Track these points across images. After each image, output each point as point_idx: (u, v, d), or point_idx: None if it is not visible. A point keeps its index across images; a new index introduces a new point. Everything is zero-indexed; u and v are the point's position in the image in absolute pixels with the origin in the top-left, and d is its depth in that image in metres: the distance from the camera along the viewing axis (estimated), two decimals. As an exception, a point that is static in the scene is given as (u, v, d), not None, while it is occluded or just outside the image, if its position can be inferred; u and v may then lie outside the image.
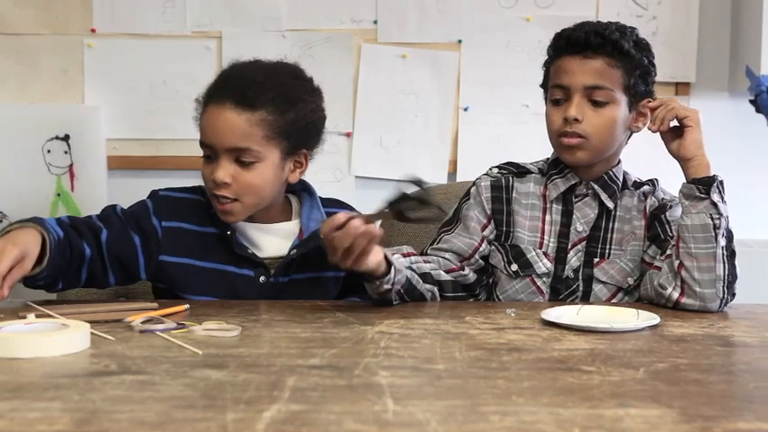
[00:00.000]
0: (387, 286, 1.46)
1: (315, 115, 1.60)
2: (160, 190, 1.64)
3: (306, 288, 1.61)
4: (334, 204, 1.72)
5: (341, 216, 1.37)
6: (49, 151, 2.54)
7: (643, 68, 1.60)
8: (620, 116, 1.59)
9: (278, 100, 1.54)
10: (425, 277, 1.59)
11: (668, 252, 1.54)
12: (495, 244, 1.68)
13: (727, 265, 1.50)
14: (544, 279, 1.64)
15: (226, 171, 1.51)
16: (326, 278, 1.64)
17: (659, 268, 1.55)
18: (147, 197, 1.64)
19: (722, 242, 1.50)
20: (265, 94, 1.53)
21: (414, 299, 1.55)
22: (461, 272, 1.65)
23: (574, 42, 1.59)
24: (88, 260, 1.50)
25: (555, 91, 1.61)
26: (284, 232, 1.63)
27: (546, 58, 1.68)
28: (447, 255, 1.66)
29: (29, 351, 1.08)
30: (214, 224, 1.59)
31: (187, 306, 1.42)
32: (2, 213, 2.55)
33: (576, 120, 1.57)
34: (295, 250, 1.59)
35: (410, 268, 1.55)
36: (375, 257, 1.42)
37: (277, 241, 1.61)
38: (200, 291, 1.57)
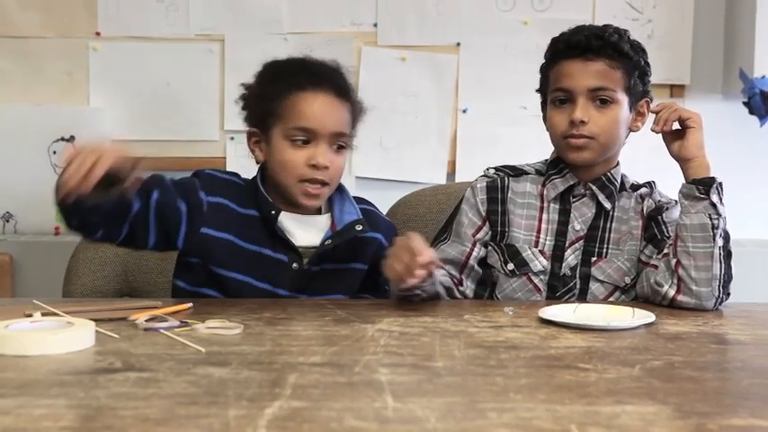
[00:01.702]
0: (423, 294, 1.48)
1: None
2: (204, 170, 1.64)
3: (334, 278, 1.63)
4: (362, 202, 1.73)
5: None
6: (54, 152, 2.54)
7: (641, 69, 1.62)
8: (622, 116, 1.60)
9: (355, 95, 1.66)
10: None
11: (665, 251, 1.54)
12: (492, 244, 1.68)
13: (723, 264, 1.49)
14: (541, 277, 1.64)
15: (327, 156, 1.56)
16: (353, 270, 1.65)
17: (656, 266, 1.55)
18: (192, 175, 1.63)
19: (720, 242, 1.50)
20: (350, 87, 1.64)
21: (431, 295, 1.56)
22: (460, 287, 1.67)
23: (574, 46, 1.59)
24: (133, 215, 1.46)
25: (557, 94, 1.61)
26: (317, 224, 1.64)
27: (542, 62, 1.68)
28: (446, 266, 1.66)
29: (35, 348, 1.08)
30: (257, 207, 1.59)
31: (190, 304, 1.42)
32: (8, 213, 2.55)
33: (583, 122, 1.57)
34: (330, 241, 1.60)
35: None
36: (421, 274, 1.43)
37: (311, 232, 1.62)
38: (235, 268, 1.57)
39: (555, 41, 1.64)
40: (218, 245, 1.57)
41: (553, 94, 1.62)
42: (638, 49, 1.62)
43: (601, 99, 1.58)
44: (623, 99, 1.59)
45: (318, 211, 1.67)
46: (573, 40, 1.60)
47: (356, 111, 1.65)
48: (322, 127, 1.55)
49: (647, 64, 1.64)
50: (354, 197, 1.71)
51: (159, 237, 1.52)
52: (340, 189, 1.69)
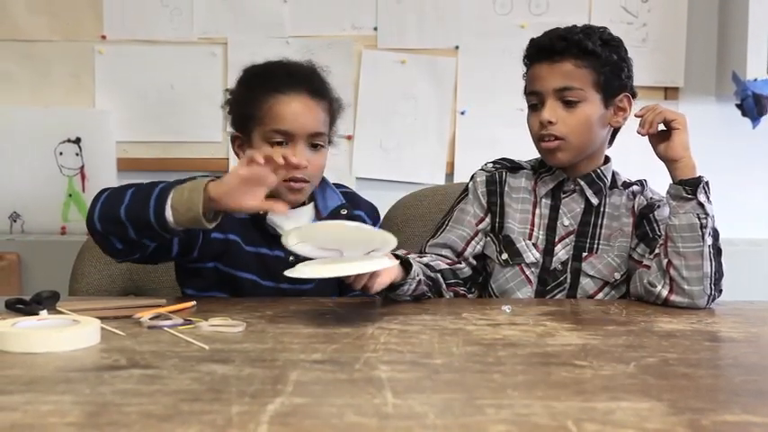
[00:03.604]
0: (413, 285, 1.48)
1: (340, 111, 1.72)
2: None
3: None
4: (341, 186, 1.74)
5: None
6: (61, 153, 2.54)
7: (612, 65, 1.59)
8: (594, 114, 1.59)
9: (332, 94, 1.66)
10: (428, 267, 1.60)
11: (657, 251, 1.54)
12: (491, 235, 1.69)
13: (713, 262, 1.49)
14: (533, 269, 1.64)
15: (304, 155, 1.57)
16: None
17: (648, 267, 1.55)
18: None
19: (709, 241, 1.49)
20: (326, 87, 1.64)
21: (435, 289, 1.58)
22: (458, 264, 1.67)
23: (541, 49, 1.60)
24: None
25: (530, 98, 1.63)
26: (304, 215, 1.64)
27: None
28: (444, 251, 1.67)
29: (41, 346, 1.08)
30: None
31: (194, 303, 1.42)
32: (16, 213, 2.55)
33: (551, 122, 1.57)
34: None
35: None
36: (392, 271, 1.42)
37: (300, 223, 1.62)
38: (245, 268, 1.59)
39: (528, 46, 1.65)
40: (227, 246, 1.58)
41: (527, 98, 1.64)
42: (612, 45, 1.61)
43: (568, 98, 1.57)
44: (593, 97, 1.58)
45: (302, 203, 1.68)
46: (540, 44, 1.61)
47: (333, 109, 1.66)
48: (298, 128, 1.57)
49: (623, 59, 1.62)
50: (334, 183, 1.73)
51: (181, 248, 1.52)
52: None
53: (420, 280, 1.50)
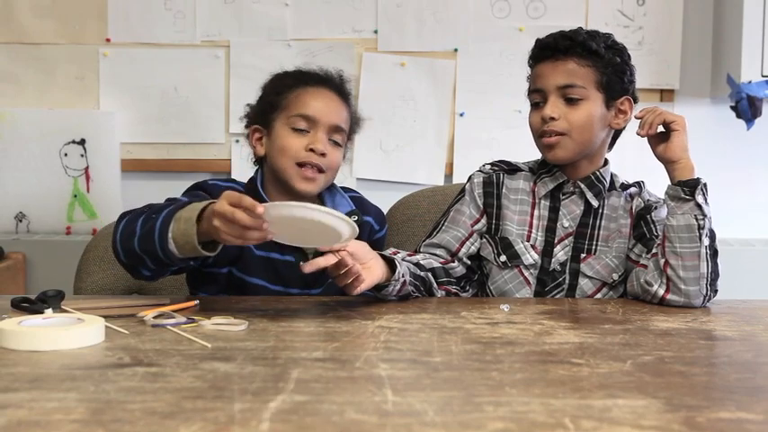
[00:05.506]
0: (397, 286, 1.47)
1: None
2: (204, 181, 1.63)
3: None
4: (349, 191, 1.75)
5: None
6: (66, 154, 2.54)
7: (616, 67, 1.60)
8: (595, 112, 1.59)
9: (353, 100, 1.70)
10: (419, 267, 1.59)
11: (654, 251, 1.54)
12: (487, 236, 1.68)
13: (710, 263, 1.49)
14: (531, 270, 1.64)
15: (325, 144, 1.59)
16: None
17: (645, 266, 1.55)
18: (194, 188, 1.60)
19: (706, 242, 1.49)
20: (351, 94, 1.70)
21: (425, 288, 1.57)
22: (451, 263, 1.66)
23: (545, 48, 1.61)
24: None
25: (533, 96, 1.63)
26: None
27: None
28: (438, 251, 1.67)
29: (47, 344, 1.08)
30: None
31: (197, 301, 1.41)
32: (21, 213, 2.55)
33: (553, 118, 1.57)
34: None
35: (403, 260, 1.56)
36: (376, 273, 1.42)
37: None
38: (255, 273, 1.58)
39: (533, 47, 1.65)
40: (242, 251, 1.56)
41: (530, 96, 1.64)
42: (615, 48, 1.61)
43: (571, 95, 1.57)
44: (595, 96, 1.58)
45: None
46: (544, 43, 1.61)
47: (354, 116, 1.68)
48: (322, 117, 1.59)
49: (626, 63, 1.62)
50: (341, 187, 1.73)
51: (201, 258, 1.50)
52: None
53: (405, 281, 1.49)
